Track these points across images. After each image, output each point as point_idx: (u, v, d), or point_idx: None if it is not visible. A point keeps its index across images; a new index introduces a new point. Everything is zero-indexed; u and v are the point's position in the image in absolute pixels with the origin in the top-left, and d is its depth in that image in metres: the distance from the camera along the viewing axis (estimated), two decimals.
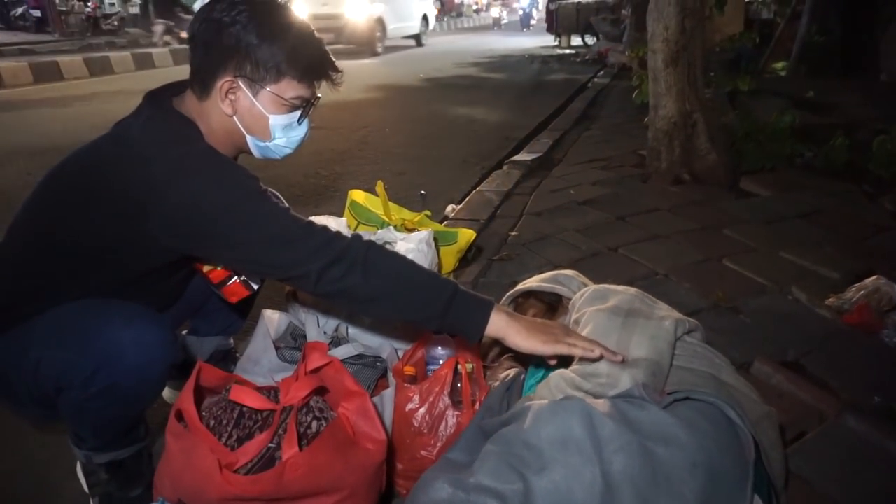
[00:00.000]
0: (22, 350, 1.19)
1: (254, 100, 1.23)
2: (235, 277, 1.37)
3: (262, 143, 1.30)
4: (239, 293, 1.39)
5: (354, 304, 1.27)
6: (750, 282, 2.37)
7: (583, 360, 1.21)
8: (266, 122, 1.26)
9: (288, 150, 1.35)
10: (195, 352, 1.72)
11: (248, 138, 1.28)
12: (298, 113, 1.29)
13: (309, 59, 1.25)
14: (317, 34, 1.28)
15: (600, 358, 1.18)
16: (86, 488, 1.38)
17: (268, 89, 1.23)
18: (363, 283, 1.17)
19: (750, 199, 3.38)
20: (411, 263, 1.25)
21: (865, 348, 1.92)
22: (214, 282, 1.37)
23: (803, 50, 6.88)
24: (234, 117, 1.25)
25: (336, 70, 1.31)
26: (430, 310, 1.20)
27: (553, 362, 1.24)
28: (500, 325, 1.20)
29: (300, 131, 1.32)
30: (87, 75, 9.06)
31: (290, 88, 1.24)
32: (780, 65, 7.27)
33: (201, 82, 1.22)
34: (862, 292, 2.08)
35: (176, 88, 1.29)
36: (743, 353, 1.82)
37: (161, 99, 1.26)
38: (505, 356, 1.66)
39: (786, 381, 1.72)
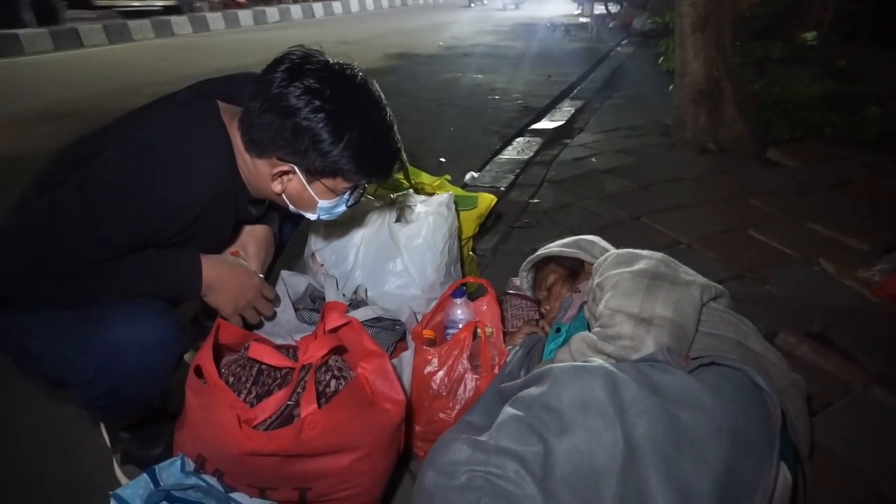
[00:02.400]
0: (25, 333, 1.11)
1: (307, 186, 1.19)
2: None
3: (302, 212, 1.29)
4: None
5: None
6: (776, 252, 2.32)
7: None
8: (314, 204, 1.24)
9: (326, 218, 1.32)
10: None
11: (291, 207, 1.26)
12: (347, 196, 1.26)
13: (373, 164, 1.21)
14: (393, 126, 1.22)
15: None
16: (108, 443, 1.40)
17: (322, 181, 1.19)
18: None
19: (777, 169, 3.30)
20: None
21: (894, 321, 1.87)
22: None
23: (836, 17, 6.64)
24: (283, 195, 1.22)
25: (398, 166, 1.29)
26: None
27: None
28: None
29: (343, 207, 1.29)
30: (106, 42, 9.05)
31: (346, 183, 1.21)
32: (810, 35, 7.02)
33: (256, 144, 1.16)
34: (891, 264, 2.03)
35: (226, 89, 1.22)
36: (768, 324, 1.78)
37: (207, 96, 1.20)
38: (525, 321, 1.65)
39: (811, 352, 1.69)
